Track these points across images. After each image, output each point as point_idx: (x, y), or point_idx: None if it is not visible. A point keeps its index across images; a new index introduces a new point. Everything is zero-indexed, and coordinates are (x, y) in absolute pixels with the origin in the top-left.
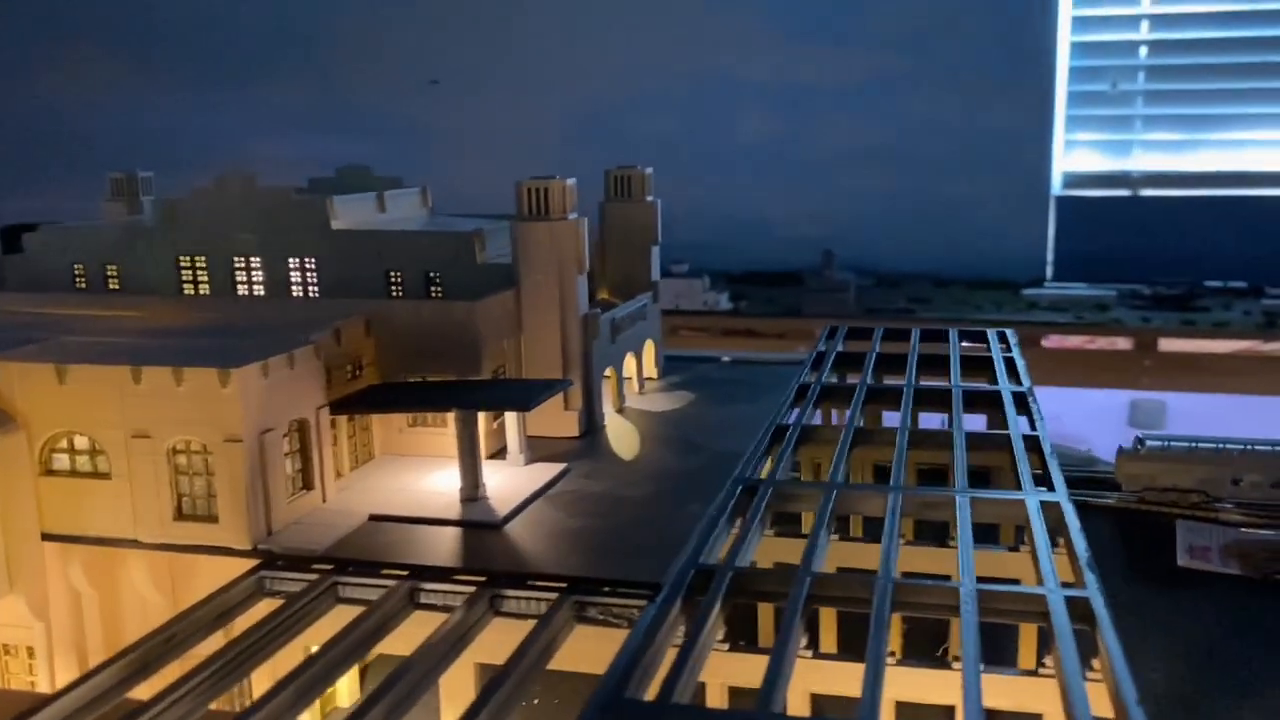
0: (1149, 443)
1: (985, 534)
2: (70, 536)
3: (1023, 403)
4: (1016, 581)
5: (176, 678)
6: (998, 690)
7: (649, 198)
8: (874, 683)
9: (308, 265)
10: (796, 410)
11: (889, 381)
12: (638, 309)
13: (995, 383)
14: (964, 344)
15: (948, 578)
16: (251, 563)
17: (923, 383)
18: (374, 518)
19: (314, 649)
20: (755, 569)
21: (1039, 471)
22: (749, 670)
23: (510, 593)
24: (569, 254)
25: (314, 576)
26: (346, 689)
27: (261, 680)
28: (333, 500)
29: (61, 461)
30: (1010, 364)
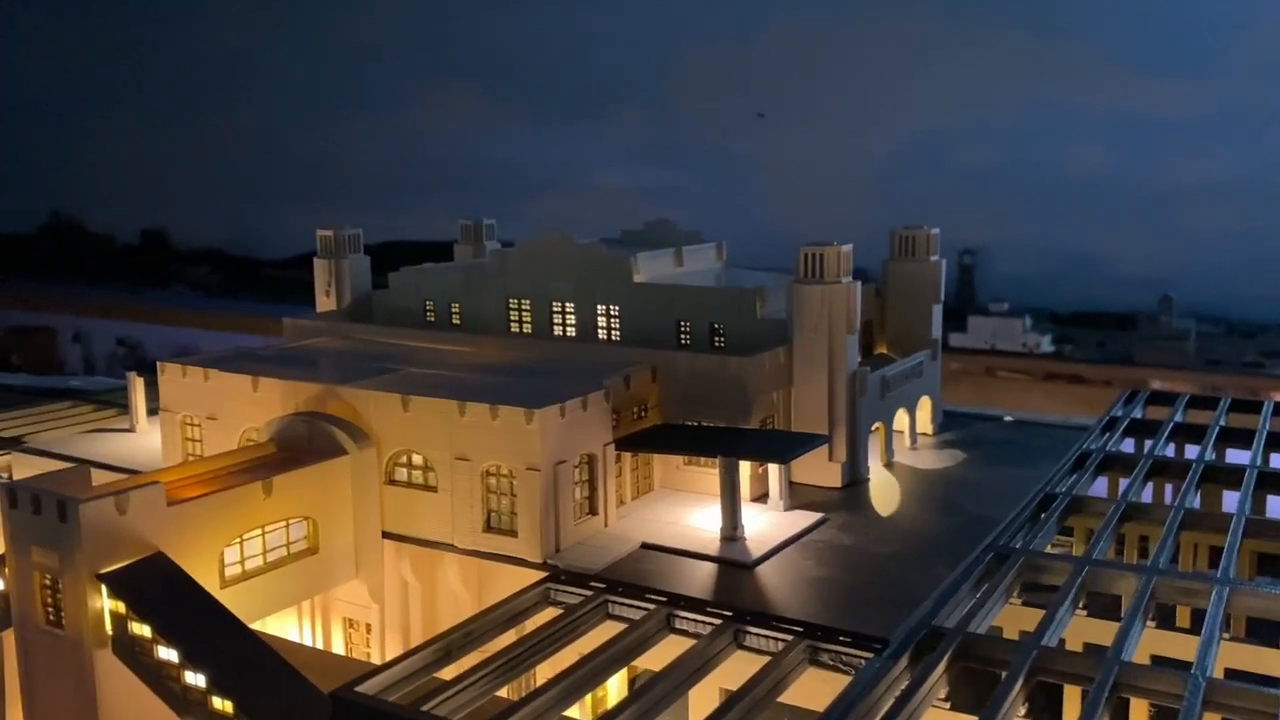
0: None
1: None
2: (403, 536)
3: None
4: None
5: (472, 665)
6: None
7: (933, 257)
8: None
9: (612, 312)
10: (1072, 478)
11: (1178, 455)
12: (912, 366)
13: None
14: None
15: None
16: (541, 574)
17: (1217, 458)
18: (645, 546)
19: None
20: (983, 635)
21: None
22: None
23: (753, 629)
24: (840, 315)
25: (589, 593)
26: (609, 693)
27: (541, 675)
28: (613, 526)
29: (401, 474)
30: None
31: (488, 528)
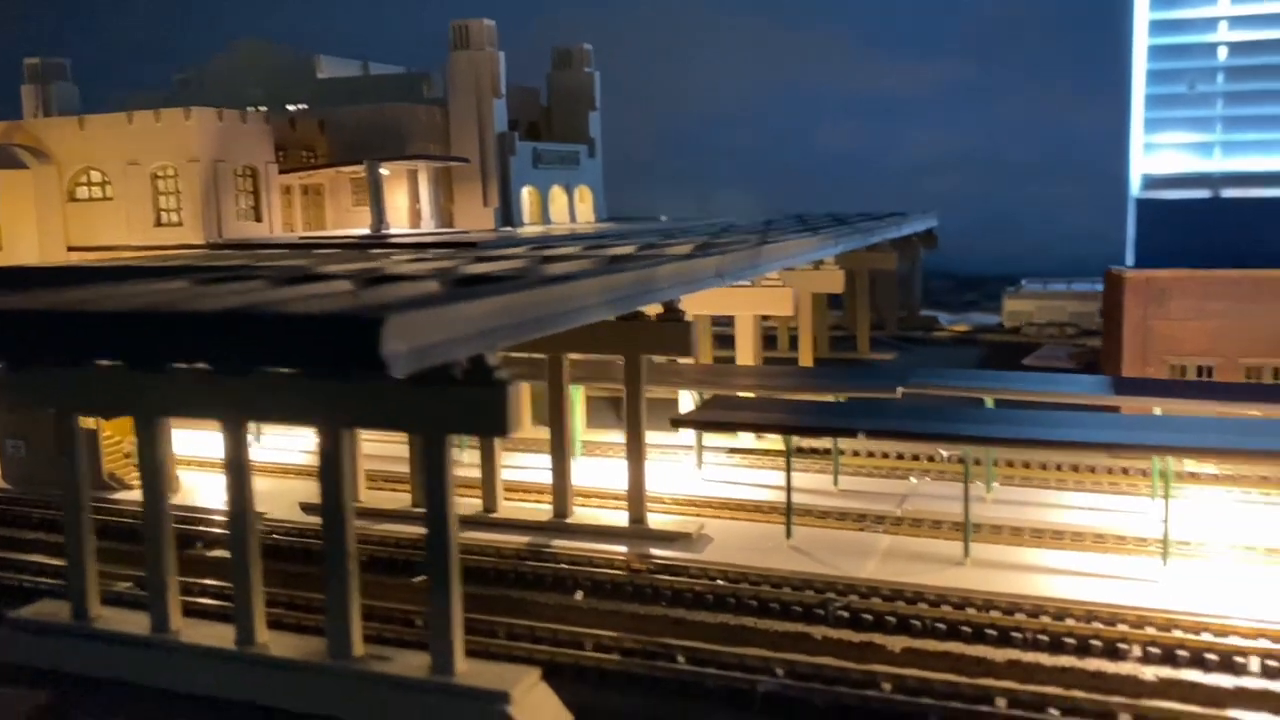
0: (1028, 285)
1: None
2: (86, 247)
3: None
4: None
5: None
6: None
7: (587, 69)
8: None
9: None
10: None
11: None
12: (567, 151)
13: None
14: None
15: None
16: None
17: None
18: (303, 238)
19: None
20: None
21: None
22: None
23: (377, 249)
24: (486, 79)
25: (246, 252)
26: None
27: None
28: (277, 232)
29: (82, 192)
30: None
31: (158, 224)
